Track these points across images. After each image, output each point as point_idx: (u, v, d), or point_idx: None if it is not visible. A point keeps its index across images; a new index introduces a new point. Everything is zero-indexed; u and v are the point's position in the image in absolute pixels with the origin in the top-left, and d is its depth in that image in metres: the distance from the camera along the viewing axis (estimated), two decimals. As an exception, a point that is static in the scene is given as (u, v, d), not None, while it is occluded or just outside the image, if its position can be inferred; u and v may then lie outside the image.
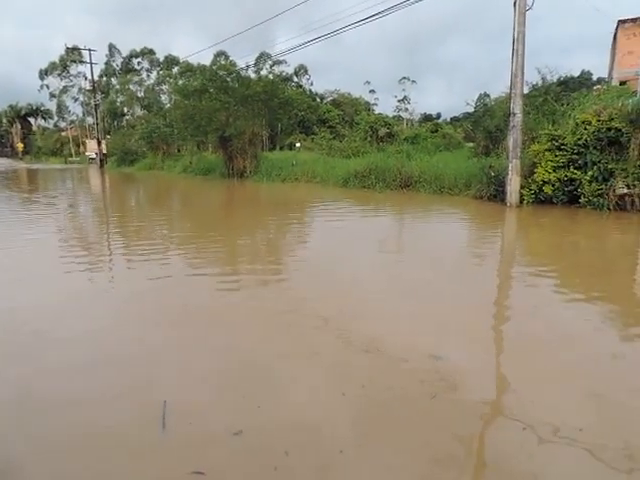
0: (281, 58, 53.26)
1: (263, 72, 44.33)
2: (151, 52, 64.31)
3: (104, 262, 8.00)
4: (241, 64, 44.88)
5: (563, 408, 3.23)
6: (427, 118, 61.65)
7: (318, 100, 59.02)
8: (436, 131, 32.69)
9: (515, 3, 11.97)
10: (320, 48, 36.30)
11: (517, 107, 12.41)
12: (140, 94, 62.40)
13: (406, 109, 57.40)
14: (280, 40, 64.49)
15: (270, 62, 50.13)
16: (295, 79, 57.01)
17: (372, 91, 66.30)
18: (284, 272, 7.31)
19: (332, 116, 53.25)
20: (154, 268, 7.25)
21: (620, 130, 11.40)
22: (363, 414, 3.20)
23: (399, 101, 57.85)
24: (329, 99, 60.89)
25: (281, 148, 44.54)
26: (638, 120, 11.24)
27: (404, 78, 57.54)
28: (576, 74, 48.00)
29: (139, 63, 65.40)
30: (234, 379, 3.75)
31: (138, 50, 64.49)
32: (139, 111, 61.95)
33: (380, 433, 2.99)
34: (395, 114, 55.29)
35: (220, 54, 52.11)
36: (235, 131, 24.74)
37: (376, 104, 66.55)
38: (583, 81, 40.96)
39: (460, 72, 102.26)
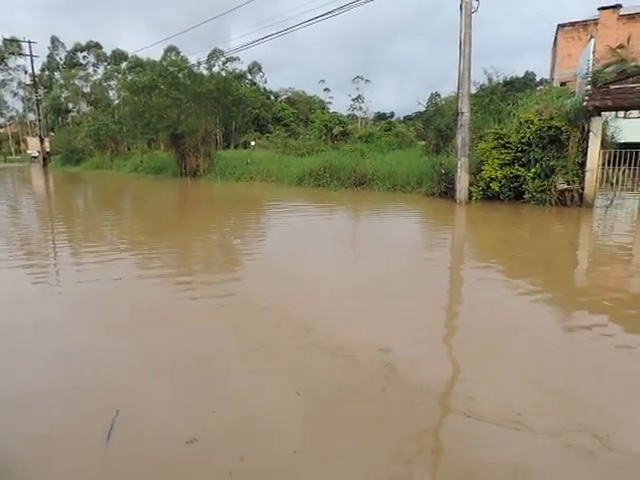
0: (234, 55, 52.64)
1: (215, 69, 43.61)
2: (97, 46, 61.90)
3: (49, 265, 7.65)
4: (193, 60, 43.99)
5: (509, 395, 3.37)
6: (381, 117, 62.64)
7: (273, 98, 58.73)
8: (389, 130, 33.26)
9: (461, 6, 12.36)
10: (274, 45, 36.24)
11: (465, 106, 12.84)
12: (86, 90, 59.92)
13: (360, 108, 58.07)
14: (234, 36, 63.76)
15: (223, 59, 49.40)
16: (249, 76, 56.47)
17: (326, 89, 66.60)
18: (239, 272, 7.24)
19: (287, 114, 53.15)
20: (103, 270, 7.01)
21: (560, 129, 12.03)
22: (316, 412, 3.22)
23: (353, 100, 58.43)
24: (284, 97, 60.71)
25: (236, 146, 44.03)
26: (576, 119, 11.89)
27: (358, 77, 58.17)
28: (521, 75, 50.24)
29: (85, 57, 62.84)
30: (188, 383, 3.68)
31: (83, 44, 61.91)
32: (85, 107, 59.50)
33: (333, 431, 3.01)
34: (349, 113, 55.82)
35: (171, 49, 50.88)
36: (187, 129, 24.24)
37: (331, 103, 66.94)
38: (527, 82, 42.92)
39: (412, 72, 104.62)
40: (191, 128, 24.35)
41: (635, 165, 12.14)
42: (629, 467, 2.63)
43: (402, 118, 58.10)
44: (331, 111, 54.35)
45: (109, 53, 61.22)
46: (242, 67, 55.08)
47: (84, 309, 5.43)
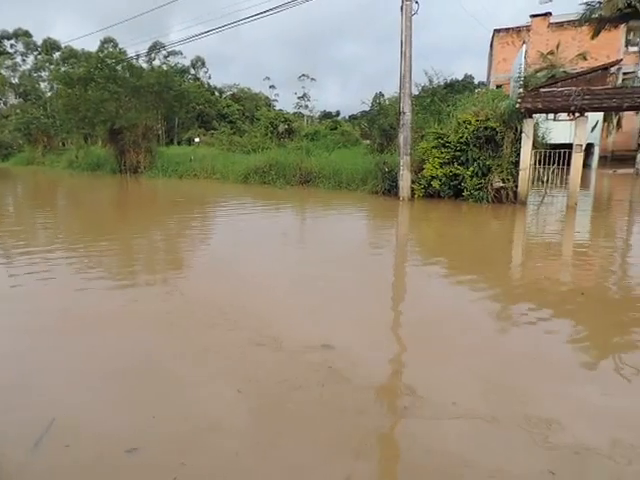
0: (176, 49, 51.15)
1: (156, 62, 42.20)
2: (27, 34, 58.09)
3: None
4: (131, 53, 42.31)
5: (449, 385, 3.50)
6: (327, 115, 63.05)
7: (217, 94, 57.59)
8: (335, 128, 33.59)
9: (402, 7, 12.65)
10: (219, 40, 35.62)
11: (406, 106, 13.17)
12: (14, 80, 56.15)
13: (306, 106, 58.09)
14: (176, 29, 61.83)
15: (164, 52, 47.92)
16: (192, 71, 55.07)
17: (272, 87, 66.16)
18: (181, 271, 7.05)
19: (232, 111, 52.34)
20: (35, 272, 6.60)
21: (495, 129, 12.61)
22: (258, 410, 3.19)
23: (299, 98, 58.34)
24: (228, 93, 59.72)
25: (179, 143, 42.84)
26: (509, 120, 12.51)
27: (304, 75, 58.10)
28: (461, 77, 52.24)
29: (12, 46, 58.78)
30: (127, 387, 3.53)
31: (10, 31, 57.94)
32: (14, 99, 55.74)
33: (276, 430, 2.99)
34: (296, 111, 55.72)
35: (108, 41, 48.65)
36: (126, 123, 23.32)
37: (276, 100, 66.56)
38: (466, 84, 44.65)
39: (358, 71, 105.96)
40: (130, 123, 23.46)
41: (564, 165, 12.92)
42: (564, 450, 2.79)
43: (348, 117, 58.81)
44: (277, 109, 54.17)
45: (40, 42, 57.64)
46: (185, 62, 53.67)
47: (12, 312, 5.09)
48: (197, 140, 36.98)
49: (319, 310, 5.13)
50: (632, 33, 28.52)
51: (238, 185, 19.12)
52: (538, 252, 8.37)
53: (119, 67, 25.99)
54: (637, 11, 19.87)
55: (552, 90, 12.45)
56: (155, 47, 41.87)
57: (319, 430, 2.96)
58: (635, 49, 27.68)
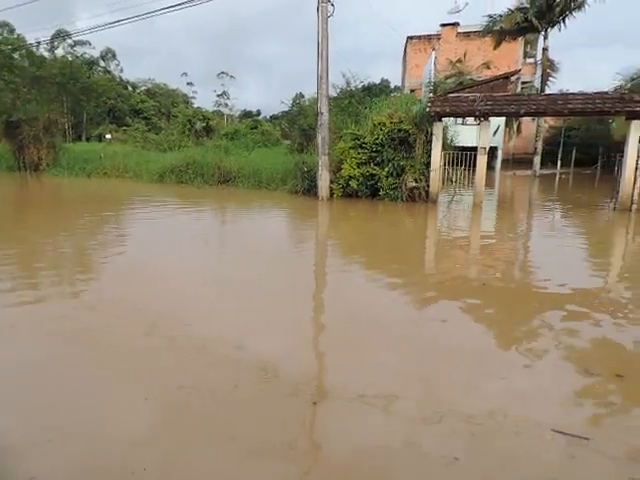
0: (84, 38, 47.87)
1: (60, 51, 39.17)
2: None
3: None
4: (31, 40, 39.13)
5: (363, 379, 3.60)
6: (247, 115, 62.32)
7: (130, 89, 54.80)
8: (256, 128, 33.33)
9: (318, 9, 12.85)
10: (131, 32, 33.75)
11: (324, 107, 13.40)
12: None
13: (226, 104, 56.98)
14: (83, 17, 57.82)
15: (70, 41, 44.67)
16: (102, 63, 51.87)
17: (190, 84, 64.12)
18: (93, 277, 6.63)
19: (147, 107, 50.05)
20: None
21: (408, 131, 13.22)
22: (167, 418, 3.08)
23: (218, 96, 57.09)
24: (143, 89, 57.02)
25: (88, 139, 40.13)
26: (421, 123, 13.18)
27: (223, 73, 56.96)
28: (378, 81, 54.04)
29: None
30: (20, 395, 3.27)
31: None
32: None
33: (186, 436, 2.89)
34: (215, 109, 54.46)
35: (2, 25, 44.45)
36: (25, 116, 21.49)
37: (195, 97, 64.63)
38: (383, 88, 46.28)
39: (279, 71, 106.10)
40: (30, 116, 21.65)
41: (471, 166, 13.83)
42: (463, 428, 2.98)
43: (269, 117, 58.61)
44: (196, 106, 52.65)
45: None
46: (94, 52, 50.38)
47: None
48: (108, 137, 34.92)
49: (236, 311, 5.06)
50: (529, 46, 31.18)
51: (153, 184, 18.35)
52: (448, 247, 8.90)
53: (16, 55, 23.86)
54: (533, 26, 21.78)
55: (459, 95, 13.29)
56: (59, 35, 38.89)
57: (233, 434, 2.92)
58: (532, 60, 30.27)
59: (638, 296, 5.83)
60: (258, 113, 66.45)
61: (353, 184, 13.85)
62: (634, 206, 12.12)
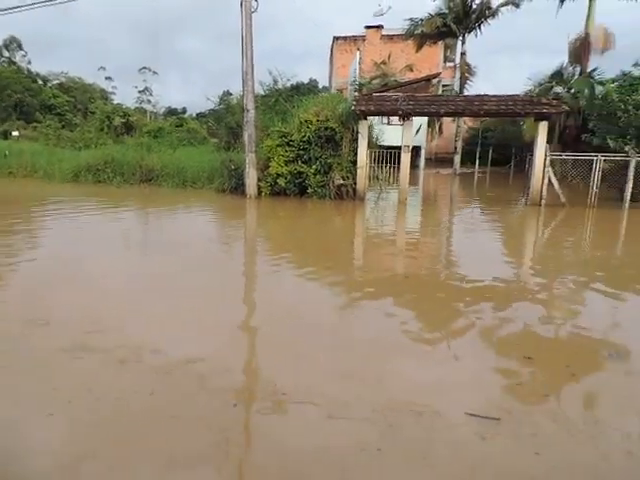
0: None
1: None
2: None
3: None
4: None
5: (292, 378, 3.56)
6: (172, 112, 60.25)
7: (40, 82, 51.06)
8: (181, 125, 32.24)
9: (241, 4, 12.65)
10: (40, 20, 31.35)
11: (250, 104, 13.22)
12: None
13: (149, 101, 54.81)
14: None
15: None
16: (5, 53, 47.89)
17: (109, 78, 60.99)
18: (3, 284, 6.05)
19: (60, 102, 46.86)
20: None
21: (334, 129, 13.38)
22: (75, 432, 2.86)
23: (140, 92, 54.78)
24: (55, 82, 53.37)
25: (-8, 136, 36.86)
26: (347, 122, 13.38)
27: (145, 68, 54.77)
28: (306, 81, 54.39)
29: None
30: None
31: None
32: None
33: (96, 452, 2.72)
34: (137, 106, 52.14)
35: None
36: None
37: (114, 93, 61.48)
38: (311, 87, 46.66)
39: (206, 68, 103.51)
40: None
41: (396, 164, 14.25)
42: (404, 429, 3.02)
43: (195, 114, 56.99)
44: (116, 102, 50.07)
45: None
46: (-5, 41, 46.39)
47: None
48: (15, 134, 32.31)
49: (158, 314, 4.82)
50: (449, 50, 32.76)
51: (67, 184, 17.20)
52: (375, 244, 9.10)
53: None
54: (451, 30, 22.88)
55: (383, 95, 13.66)
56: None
57: (150, 444, 2.77)
58: (451, 64, 31.82)
59: (548, 284, 6.27)
60: (184, 111, 64.44)
61: (281, 182, 13.79)
62: (543, 201, 13.07)
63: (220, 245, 8.72)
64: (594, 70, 20.08)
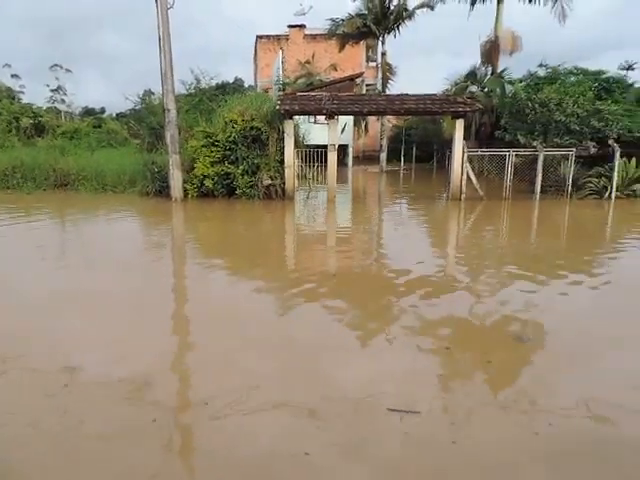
0: None
1: None
2: None
3: None
4: None
5: (227, 383, 3.44)
6: (89, 112, 56.85)
7: None
8: (100, 126, 30.59)
9: (156, 0, 12.16)
10: None
11: (170, 103, 12.76)
12: None
13: (63, 101, 51.26)
14: None
15: None
16: None
17: (16, 76, 56.34)
18: None
19: (-42, 102, 42.70)
20: None
21: (260, 129, 13.23)
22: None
23: (52, 91, 51.11)
24: (-49, 81, 48.52)
25: None
26: (272, 121, 13.29)
27: (56, 65, 51.12)
28: (232, 80, 53.43)
29: None
30: None
31: None
32: None
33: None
34: (50, 106, 48.60)
35: None
36: None
37: (23, 92, 56.89)
38: (237, 87, 45.89)
39: (126, 67, 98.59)
40: None
41: (324, 163, 14.33)
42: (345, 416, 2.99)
43: (115, 115, 54.23)
44: (25, 102, 46.41)
45: None
46: None
47: None
48: None
49: (82, 330, 4.50)
50: (371, 50, 33.52)
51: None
52: (305, 241, 9.12)
53: None
54: (371, 31, 23.43)
55: (307, 94, 13.71)
56: None
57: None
58: (373, 64, 32.60)
59: (471, 275, 6.56)
60: (102, 111, 61.03)
61: (208, 183, 13.43)
62: (463, 195, 13.74)
63: (146, 252, 8.32)
64: (504, 70, 21.38)
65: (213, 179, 13.43)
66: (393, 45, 32.84)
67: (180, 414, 3.05)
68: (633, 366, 3.68)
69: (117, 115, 54.08)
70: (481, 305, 5.19)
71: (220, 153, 13.40)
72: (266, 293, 5.74)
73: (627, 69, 34.84)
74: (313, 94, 13.44)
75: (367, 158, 32.10)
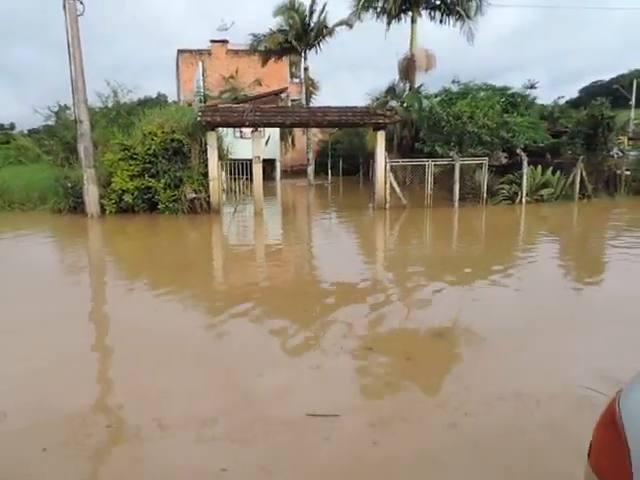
0: None
1: None
2: None
3: None
4: None
5: (159, 405, 3.14)
6: (-3, 128, 52.75)
7: None
8: (8, 142, 28.46)
9: (64, 6, 11.47)
10: None
11: (83, 114, 12.04)
12: None
13: (-35, 116, 47.17)
14: None
15: None
16: None
17: None
18: None
19: None
20: None
21: (181, 141, 12.81)
22: None
23: (-47, 106, 46.90)
24: None
25: None
26: (194, 133, 12.92)
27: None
28: (154, 95, 51.86)
29: None
30: None
31: None
32: None
33: None
34: (-50, 121, 44.50)
35: None
36: None
37: None
38: (160, 102, 44.61)
39: (41, 82, 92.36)
40: None
41: (250, 176, 14.10)
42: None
43: (27, 131, 50.65)
44: None
45: None
46: None
47: None
48: None
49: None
50: (294, 67, 33.92)
51: None
52: (232, 256, 8.81)
53: None
54: (293, 47, 23.69)
55: (230, 106, 13.51)
56: None
57: None
58: (297, 80, 32.98)
59: (398, 282, 6.61)
60: (12, 127, 56.86)
61: (127, 198, 12.74)
62: (388, 204, 14.06)
63: (60, 274, 7.58)
64: (420, 86, 22.40)
65: (133, 194, 12.76)
66: (318, 61, 33.59)
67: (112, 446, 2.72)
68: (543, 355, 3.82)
69: (29, 131, 50.58)
70: (401, 308, 5.23)
71: (139, 166, 12.78)
72: (194, 311, 5.40)
73: (530, 87, 37.87)
74: (236, 106, 13.25)
75: (295, 172, 32.22)
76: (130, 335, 4.50)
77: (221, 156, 13.68)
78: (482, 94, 18.77)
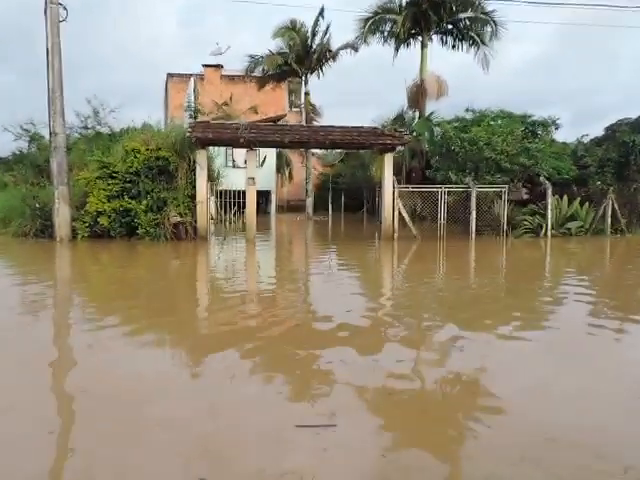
0: None
1: None
2: None
3: None
4: None
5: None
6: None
7: None
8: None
9: (45, 11, 11.66)
10: None
11: (58, 126, 11.98)
12: None
13: None
14: None
15: None
16: None
17: None
18: None
19: None
20: None
21: (168, 159, 12.70)
22: None
23: None
24: None
25: None
26: (182, 150, 12.84)
27: None
28: (139, 125, 52.69)
29: None
30: None
31: None
32: None
33: None
34: None
35: None
36: None
37: None
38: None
39: (10, 102, 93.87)
40: None
41: (243, 209, 13.98)
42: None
43: (-3, 160, 51.01)
44: None
45: None
46: None
47: None
48: None
49: None
50: (293, 95, 34.69)
51: None
52: (220, 292, 8.18)
53: None
54: (293, 70, 24.24)
55: (222, 122, 13.51)
56: None
57: None
58: (297, 110, 33.62)
59: (408, 322, 6.15)
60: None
61: (103, 221, 12.46)
62: (396, 235, 13.82)
63: (19, 311, 6.93)
64: (431, 114, 22.72)
65: (109, 216, 12.50)
66: (321, 87, 34.38)
67: None
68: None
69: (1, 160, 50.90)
70: (408, 360, 4.81)
71: (119, 186, 12.61)
72: (175, 359, 4.87)
73: (551, 125, 38.61)
74: (228, 122, 13.27)
75: (292, 208, 32.21)
76: (97, 388, 4.10)
77: (211, 178, 13.56)
78: (499, 122, 18.98)
